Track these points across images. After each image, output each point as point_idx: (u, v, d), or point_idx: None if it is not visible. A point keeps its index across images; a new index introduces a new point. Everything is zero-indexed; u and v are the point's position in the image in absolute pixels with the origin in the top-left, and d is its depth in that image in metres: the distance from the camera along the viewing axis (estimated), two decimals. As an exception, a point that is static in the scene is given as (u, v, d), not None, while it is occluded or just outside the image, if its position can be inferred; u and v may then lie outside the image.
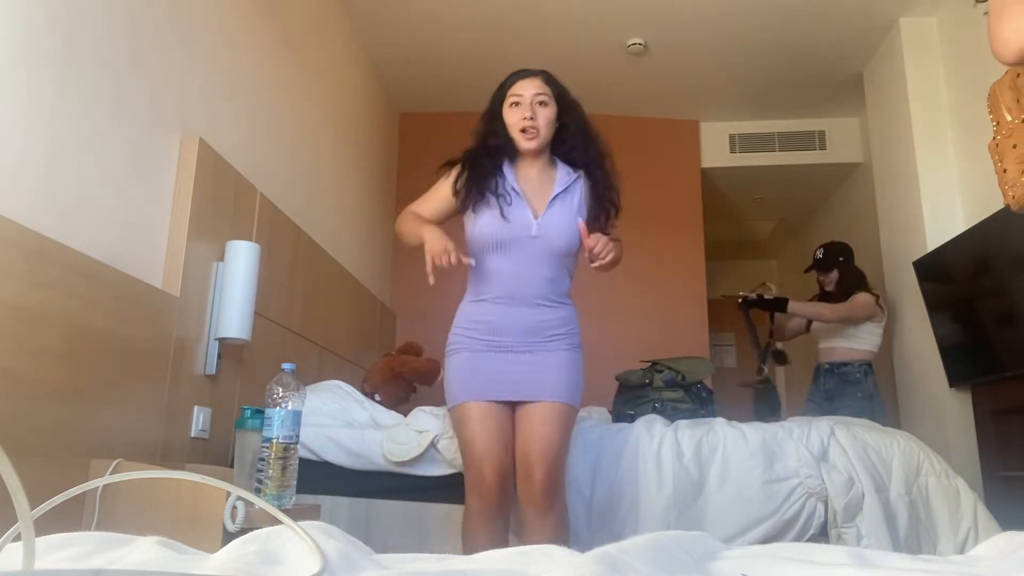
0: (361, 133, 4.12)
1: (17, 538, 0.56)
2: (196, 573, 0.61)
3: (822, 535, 2.21)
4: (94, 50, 1.79)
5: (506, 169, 2.00)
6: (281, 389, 1.70)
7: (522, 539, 1.89)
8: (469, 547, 1.83)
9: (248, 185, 2.50)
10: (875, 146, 4.20)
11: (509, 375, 1.91)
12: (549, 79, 2.00)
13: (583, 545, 0.77)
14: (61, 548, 0.71)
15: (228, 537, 1.48)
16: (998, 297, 2.98)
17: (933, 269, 3.39)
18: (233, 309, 2.21)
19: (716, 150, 5.05)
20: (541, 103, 1.95)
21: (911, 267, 3.52)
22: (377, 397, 2.85)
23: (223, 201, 2.34)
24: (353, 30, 3.92)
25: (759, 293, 3.70)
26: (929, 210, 3.55)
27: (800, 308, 3.65)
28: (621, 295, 4.69)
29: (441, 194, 2.04)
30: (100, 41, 1.82)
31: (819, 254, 3.77)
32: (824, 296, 3.73)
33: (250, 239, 2.43)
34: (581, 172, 2.02)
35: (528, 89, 1.96)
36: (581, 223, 1.91)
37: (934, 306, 3.38)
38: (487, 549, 1.78)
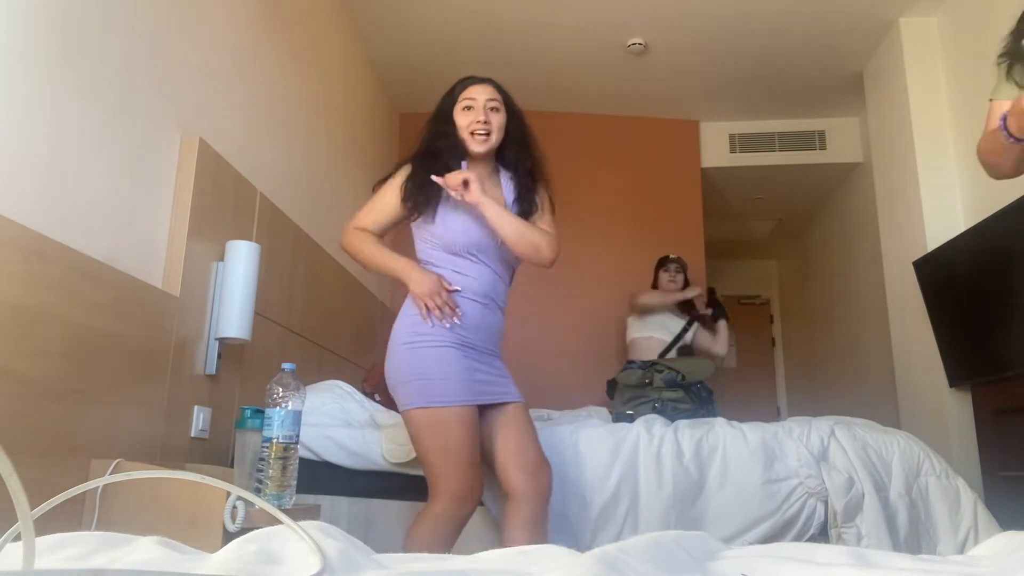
0: (361, 133, 4.12)
1: (17, 538, 0.56)
2: (196, 573, 0.61)
3: (822, 535, 2.21)
4: (94, 50, 1.79)
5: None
6: (281, 389, 1.70)
7: (508, 535, 1.86)
8: (424, 550, 1.74)
9: (248, 185, 2.50)
10: (875, 146, 4.19)
11: (483, 377, 1.91)
12: (499, 87, 2.02)
13: (583, 545, 0.77)
14: (61, 548, 0.71)
15: (228, 537, 1.48)
16: (998, 297, 2.98)
17: (933, 269, 3.39)
18: (233, 309, 2.21)
19: (716, 150, 5.05)
20: (493, 108, 1.97)
21: (911, 267, 3.51)
22: (377, 397, 2.85)
23: (223, 201, 2.34)
24: (353, 30, 3.92)
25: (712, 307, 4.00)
26: (929, 210, 3.55)
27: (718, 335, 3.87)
28: (621, 295, 4.69)
29: (388, 203, 1.99)
30: (100, 41, 1.82)
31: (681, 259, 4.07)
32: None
33: (250, 239, 2.43)
34: (512, 175, 2.05)
35: (481, 94, 1.96)
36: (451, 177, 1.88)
37: (934, 306, 3.38)
38: (441, 552, 1.79)
